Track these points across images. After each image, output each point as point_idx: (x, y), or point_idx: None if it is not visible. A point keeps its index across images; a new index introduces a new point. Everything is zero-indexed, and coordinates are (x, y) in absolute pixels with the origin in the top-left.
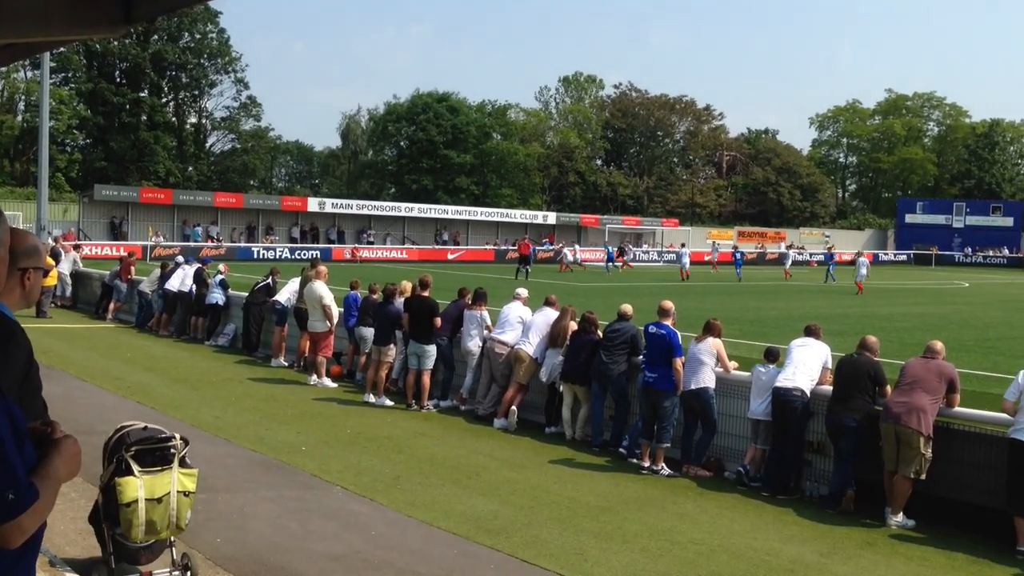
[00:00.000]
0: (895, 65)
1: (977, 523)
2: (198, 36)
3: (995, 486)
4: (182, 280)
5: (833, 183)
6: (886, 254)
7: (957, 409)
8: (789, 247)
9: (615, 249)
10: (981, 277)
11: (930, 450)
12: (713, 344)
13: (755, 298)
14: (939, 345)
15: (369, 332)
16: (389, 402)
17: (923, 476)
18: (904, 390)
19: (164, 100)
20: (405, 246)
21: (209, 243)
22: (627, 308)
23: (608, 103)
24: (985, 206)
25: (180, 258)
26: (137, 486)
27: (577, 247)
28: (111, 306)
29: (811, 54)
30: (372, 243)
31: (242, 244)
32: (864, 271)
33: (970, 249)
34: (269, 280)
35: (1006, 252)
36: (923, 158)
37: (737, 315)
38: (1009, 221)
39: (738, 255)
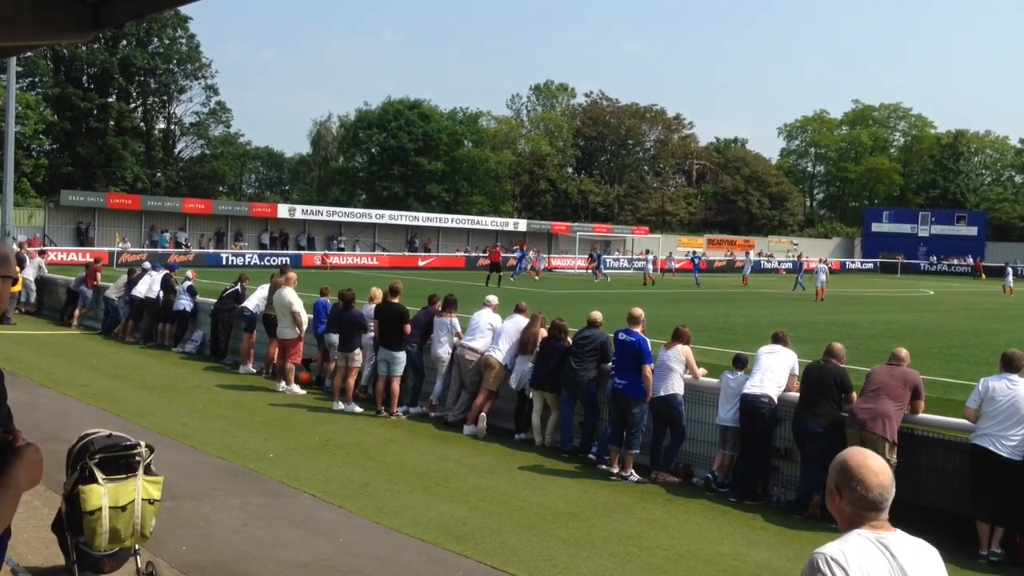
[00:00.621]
0: (862, 76)
1: (941, 527)
2: (167, 41)
3: (959, 491)
4: (149, 286)
5: (801, 192)
6: (853, 262)
7: (921, 415)
8: (749, 255)
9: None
10: (946, 285)
11: (895, 456)
12: (682, 351)
13: (724, 305)
14: (904, 352)
15: (337, 339)
16: (358, 409)
17: None
18: (870, 397)
19: (132, 105)
20: (376, 253)
21: (177, 249)
22: (597, 315)
23: (579, 111)
24: (950, 215)
25: (147, 264)
26: (101, 494)
27: (537, 255)
28: (76, 312)
29: (780, 65)
30: (343, 250)
31: (211, 250)
32: (823, 277)
33: (935, 258)
34: (238, 287)
35: (970, 261)
36: (889, 168)
37: (706, 322)
38: (973, 230)
39: (696, 261)
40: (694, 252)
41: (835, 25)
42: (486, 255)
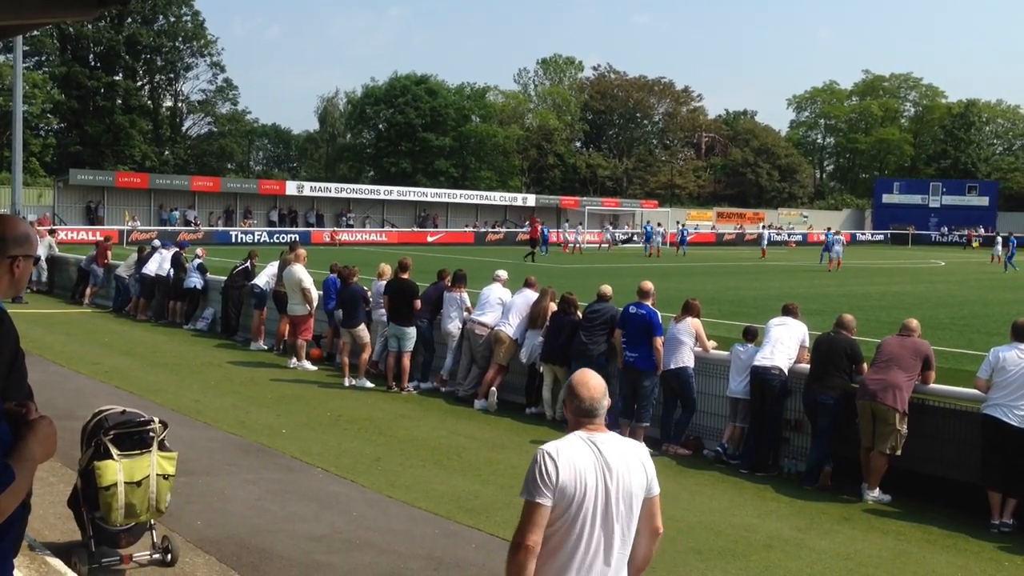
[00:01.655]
0: (872, 46)
1: (952, 497)
2: (172, 19)
3: (970, 461)
4: (159, 264)
5: (811, 164)
6: (863, 234)
7: (932, 386)
8: (766, 227)
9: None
10: (957, 256)
11: (905, 426)
12: (692, 324)
13: (733, 278)
14: (915, 323)
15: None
16: (369, 384)
17: (899, 452)
18: (880, 368)
19: (139, 83)
20: (384, 229)
21: (186, 227)
22: (607, 289)
23: (587, 85)
24: (961, 186)
25: (157, 242)
26: (116, 469)
27: (579, 228)
28: (88, 291)
29: (789, 36)
30: (351, 226)
31: (220, 228)
32: (839, 248)
33: (946, 228)
34: (248, 264)
35: (982, 231)
36: (900, 139)
37: (716, 295)
38: (985, 200)
39: (684, 233)
40: (682, 225)
41: None
42: (526, 229)
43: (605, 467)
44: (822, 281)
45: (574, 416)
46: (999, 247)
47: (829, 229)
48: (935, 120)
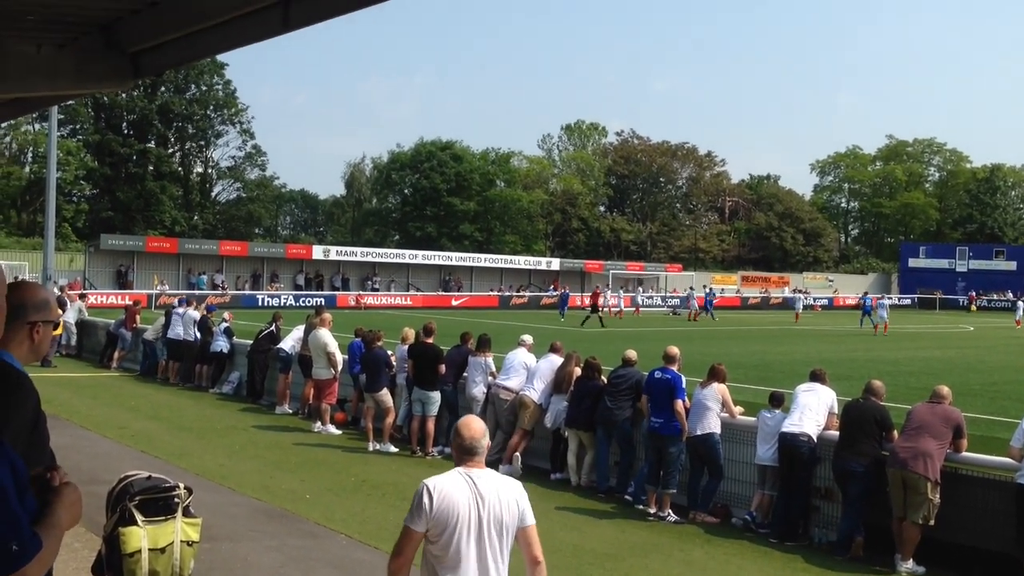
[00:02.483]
0: (895, 111)
1: (987, 568)
2: (204, 87)
3: (1005, 531)
4: (183, 325)
5: (835, 228)
6: (890, 298)
7: (965, 454)
8: (798, 291)
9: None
10: (985, 321)
11: (938, 495)
12: (718, 389)
13: (759, 342)
14: (945, 390)
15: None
16: (394, 448)
17: (931, 522)
18: (910, 435)
19: (170, 150)
20: (409, 292)
21: (214, 291)
22: (632, 353)
23: (610, 150)
24: (988, 250)
25: (176, 301)
26: (140, 536)
27: (620, 293)
28: (116, 355)
29: (811, 100)
30: (377, 290)
31: (247, 292)
32: (883, 312)
33: (974, 293)
34: (273, 327)
35: (1010, 296)
36: (925, 203)
37: (742, 360)
38: (1012, 265)
39: (709, 297)
40: (709, 288)
41: (866, 60)
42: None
43: (479, 498)
44: (850, 346)
45: (457, 453)
46: (1021, 311)
47: (866, 294)
48: (960, 184)
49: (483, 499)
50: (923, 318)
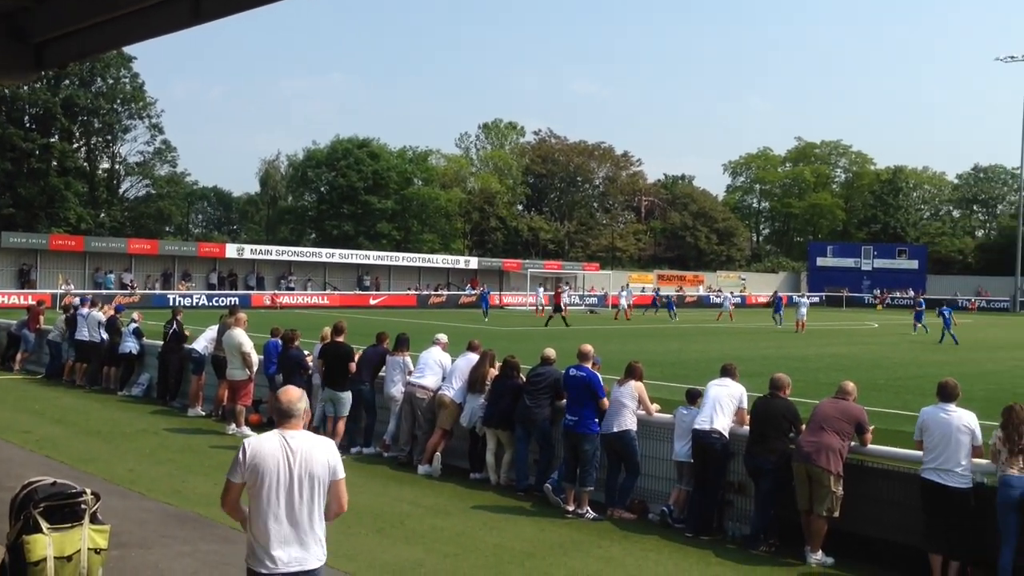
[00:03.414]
0: (804, 114)
1: (894, 559)
2: (111, 81)
3: (911, 523)
4: (88, 327)
5: (747, 227)
6: (800, 296)
7: (871, 447)
8: (730, 292)
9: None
10: (890, 318)
11: (841, 488)
12: (635, 387)
13: (676, 340)
14: (851, 386)
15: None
16: None
17: (836, 514)
18: (814, 430)
19: (76, 145)
20: (326, 292)
21: (123, 291)
22: (550, 352)
23: (528, 149)
24: (891, 249)
25: (77, 300)
26: (46, 544)
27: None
28: (19, 356)
29: (724, 103)
30: (292, 289)
31: (157, 291)
32: (803, 311)
33: (879, 291)
34: (175, 324)
35: (911, 293)
36: (832, 203)
37: (658, 358)
38: (914, 264)
39: (669, 298)
40: (658, 290)
41: (777, 65)
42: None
43: (290, 454)
44: (762, 343)
45: (276, 416)
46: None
47: (776, 292)
48: (865, 186)
49: (294, 455)
50: (831, 315)
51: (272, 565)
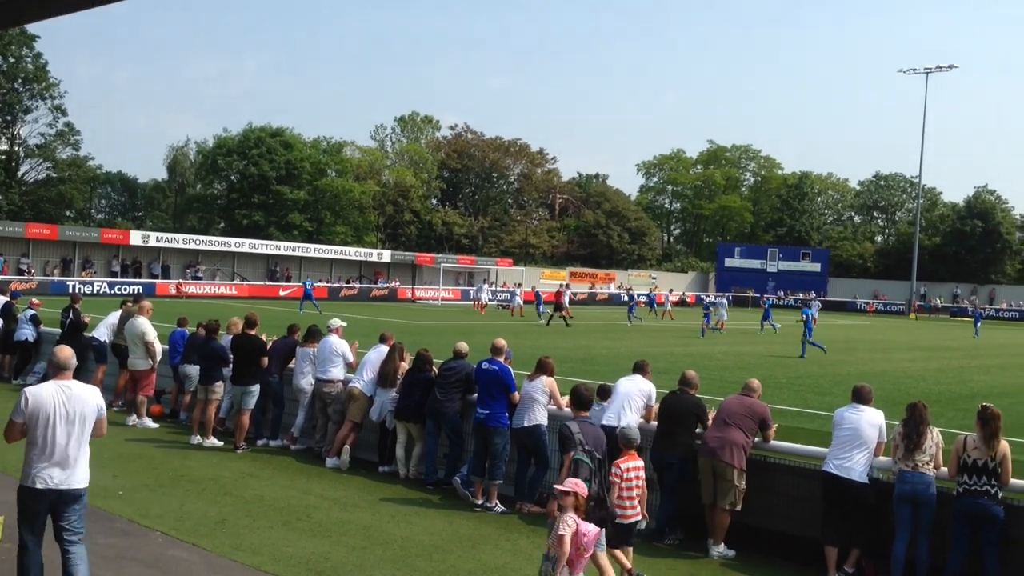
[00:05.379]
0: (716, 117)
1: (794, 552)
2: (12, 60)
3: (809, 516)
4: None
5: (659, 227)
6: (707, 296)
7: (773, 443)
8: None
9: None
10: (793, 319)
11: (744, 482)
12: (546, 382)
13: (585, 337)
14: (756, 383)
15: (194, 370)
16: (218, 443)
17: (738, 507)
18: (719, 426)
19: None
20: (235, 282)
21: (19, 277)
22: (463, 346)
23: (444, 143)
24: (796, 252)
25: None
26: None
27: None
28: None
29: (639, 103)
30: (200, 278)
31: (56, 278)
32: (724, 312)
33: (783, 292)
34: (72, 314)
35: (813, 295)
36: (741, 206)
37: (569, 354)
38: (817, 267)
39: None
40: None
41: (689, 69)
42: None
43: (65, 400)
44: (669, 341)
45: (52, 370)
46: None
47: (654, 289)
48: (772, 189)
49: (69, 401)
50: (738, 316)
51: (44, 483)
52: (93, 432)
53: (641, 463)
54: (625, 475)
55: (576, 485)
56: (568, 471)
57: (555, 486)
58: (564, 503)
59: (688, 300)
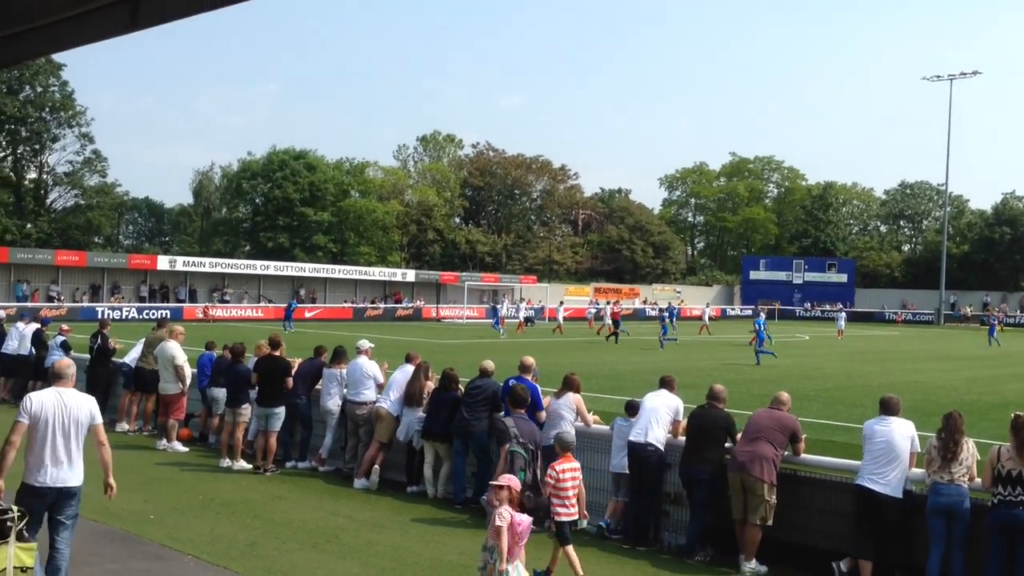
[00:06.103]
0: (737, 130)
1: (826, 567)
2: (39, 89)
3: (841, 530)
4: (20, 341)
5: (683, 241)
6: (733, 309)
7: (803, 456)
8: (675, 304)
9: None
10: (820, 330)
11: (774, 497)
12: (573, 399)
13: (612, 352)
14: (785, 396)
15: (222, 393)
16: (247, 465)
17: (769, 522)
18: (749, 440)
19: (2, 155)
20: (261, 304)
21: (49, 304)
22: (489, 364)
23: (466, 162)
24: (821, 263)
25: (20, 314)
26: None
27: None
28: None
29: (657, 119)
30: (227, 301)
31: (86, 304)
32: (707, 319)
33: (809, 304)
34: (99, 339)
35: (840, 306)
36: (765, 218)
37: (594, 370)
38: (843, 277)
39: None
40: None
41: (710, 81)
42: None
43: (63, 405)
44: (696, 355)
45: (53, 379)
46: (842, 322)
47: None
48: (796, 200)
49: (66, 406)
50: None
51: (43, 481)
52: (94, 438)
53: (577, 465)
54: (560, 476)
55: (509, 480)
56: (505, 463)
57: (490, 482)
58: (499, 496)
59: (713, 314)
